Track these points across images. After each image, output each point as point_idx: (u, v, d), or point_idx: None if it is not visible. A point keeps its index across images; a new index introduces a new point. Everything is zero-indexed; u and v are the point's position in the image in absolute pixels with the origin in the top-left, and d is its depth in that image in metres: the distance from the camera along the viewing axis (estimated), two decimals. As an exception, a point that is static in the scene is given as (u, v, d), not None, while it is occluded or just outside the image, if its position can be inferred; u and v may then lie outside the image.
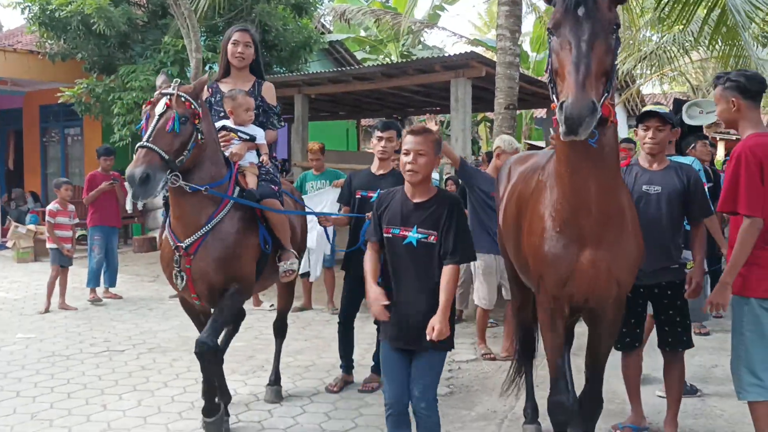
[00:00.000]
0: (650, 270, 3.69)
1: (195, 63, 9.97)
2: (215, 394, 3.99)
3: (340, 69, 13.25)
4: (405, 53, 19.46)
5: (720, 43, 9.94)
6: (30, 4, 11.80)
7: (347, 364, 5.04)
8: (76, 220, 8.11)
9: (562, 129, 2.51)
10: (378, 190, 4.36)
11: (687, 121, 6.37)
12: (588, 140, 2.66)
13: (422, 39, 19.48)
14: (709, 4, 8.86)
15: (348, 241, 4.91)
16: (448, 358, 5.72)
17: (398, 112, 14.59)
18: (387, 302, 3.14)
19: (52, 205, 7.92)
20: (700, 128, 6.11)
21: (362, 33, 20.37)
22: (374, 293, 3.16)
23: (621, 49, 2.75)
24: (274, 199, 4.19)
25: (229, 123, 4.31)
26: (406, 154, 3.11)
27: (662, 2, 8.72)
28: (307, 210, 5.23)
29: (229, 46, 4.51)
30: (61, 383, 5.09)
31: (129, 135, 11.42)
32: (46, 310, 7.60)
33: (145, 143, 3.41)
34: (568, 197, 2.95)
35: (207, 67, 10.99)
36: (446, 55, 10.81)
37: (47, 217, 7.88)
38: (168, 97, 3.55)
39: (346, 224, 4.94)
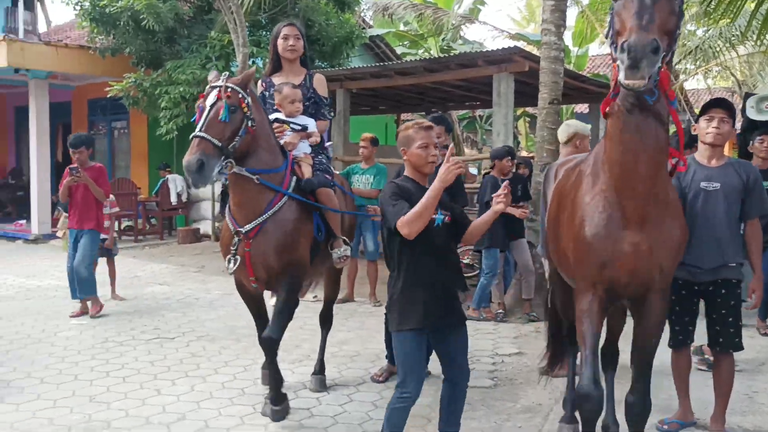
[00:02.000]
0: (708, 268, 3.67)
1: (242, 57, 10.15)
2: (281, 383, 4.23)
3: (382, 63, 13.26)
4: (445, 48, 19.40)
5: (768, 38, 9.75)
6: (81, 1, 12.15)
7: (393, 354, 5.12)
8: (116, 209, 7.88)
9: (624, 65, 2.51)
10: None
11: (752, 116, 6.12)
12: (646, 97, 2.68)
13: (462, 33, 19.36)
14: (759, -3, 8.70)
15: None
16: (491, 350, 5.84)
17: (438, 107, 14.56)
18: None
19: None
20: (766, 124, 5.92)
21: (402, 27, 20.38)
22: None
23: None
24: (329, 188, 4.31)
25: (281, 116, 4.45)
26: (426, 147, 3.24)
27: (709, -4, 8.59)
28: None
29: (280, 41, 4.65)
30: (116, 368, 5.27)
31: (175, 128, 11.66)
32: None
33: (197, 133, 3.60)
34: (615, 172, 2.92)
35: (251, 61, 11.15)
36: (488, 49, 10.75)
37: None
38: (218, 89, 3.74)
39: None
